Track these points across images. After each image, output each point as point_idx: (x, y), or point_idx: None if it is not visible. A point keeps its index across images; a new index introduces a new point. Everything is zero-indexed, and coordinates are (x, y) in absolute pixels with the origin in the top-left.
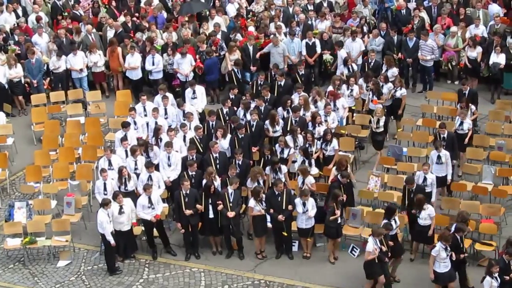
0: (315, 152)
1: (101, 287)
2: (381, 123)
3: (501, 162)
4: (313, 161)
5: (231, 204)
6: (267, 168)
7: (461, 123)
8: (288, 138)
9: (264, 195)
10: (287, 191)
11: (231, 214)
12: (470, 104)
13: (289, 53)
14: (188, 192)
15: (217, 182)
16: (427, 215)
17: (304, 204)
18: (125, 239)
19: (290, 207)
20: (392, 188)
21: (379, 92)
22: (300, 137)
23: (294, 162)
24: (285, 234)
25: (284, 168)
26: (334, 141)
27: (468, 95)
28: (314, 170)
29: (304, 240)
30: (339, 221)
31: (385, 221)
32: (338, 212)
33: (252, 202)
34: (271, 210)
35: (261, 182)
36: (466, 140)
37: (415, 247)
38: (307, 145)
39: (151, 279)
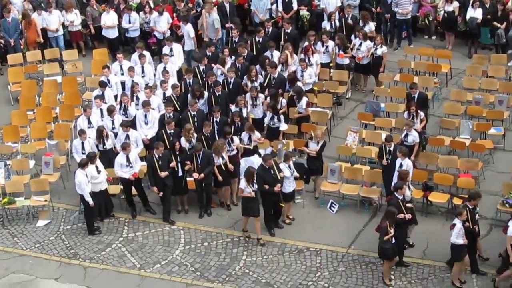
0: (280, 109)
1: (81, 246)
2: (319, 146)
3: (479, 116)
4: (282, 117)
5: (199, 166)
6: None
7: (406, 135)
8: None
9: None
10: (274, 162)
11: (196, 175)
12: (419, 111)
13: (257, 10)
14: (160, 154)
15: (194, 140)
16: None
17: (289, 167)
18: (105, 198)
19: (281, 174)
20: (370, 144)
21: (345, 46)
22: (283, 101)
23: (264, 117)
24: (282, 204)
25: (236, 140)
26: (304, 99)
27: (418, 100)
28: (284, 126)
29: (287, 204)
30: (393, 240)
31: None
32: (392, 231)
33: (243, 184)
34: (266, 186)
35: (225, 156)
36: (412, 156)
37: None
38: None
39: (130, 237)
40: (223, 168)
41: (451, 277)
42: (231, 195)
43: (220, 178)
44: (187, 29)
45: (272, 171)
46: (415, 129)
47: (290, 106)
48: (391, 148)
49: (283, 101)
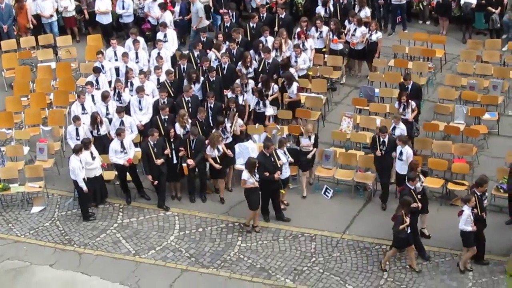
0: (271, 95)
1: (76, 232)
2: (312, 140)
3: (473, 101)
4: (267, 102)
5: (193, 151)
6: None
7: (394, 128)
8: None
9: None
10: (274, 149)
11: (190, 161)
12: (410, 101)
13: None
14: (156, 142)
15: (189, 125)
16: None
17: (284, 153)
18: (100, 184)
19: (280, 161)
20: (365, 129)
21: (339, 31)
22: (275, 87)
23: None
24: (284, 191)
25: (228, 126)
26: (294, 84)
27: (411, 90)
28: (269, 111)
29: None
30: (408, 230)
31: None
32: (407, 220)
33: (246, 175)
34: (266, 174)
35: (220, 148)
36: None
37: None
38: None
39: (125, 223)
40: (218, 161)
41: (460, 261)
42: (226, 183)
43: (218, 166)
44: (164, 16)
45: (272, 159)
46: (406, 120)
47: (282, 91)
48: (385, 139)
49: (275, 87)
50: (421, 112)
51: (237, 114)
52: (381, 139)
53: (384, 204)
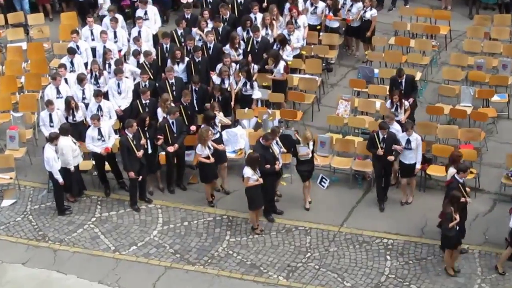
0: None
1: (50, 227)
2: (311, 147)
3: (481, 82)
4: (255, 84)
5: (175, 135)
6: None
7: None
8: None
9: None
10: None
11: (171, 148)
12: (403, 100)
13: None
14: (134, 134)
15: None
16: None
17: (277, 143)
18: (79, 174)
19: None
20: (363, 113)
21: (336, 8)
22: (255, 67)
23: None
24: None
25: (217, 120)
26: (281, 63)
27: (405, 83)
28: (257, 94)
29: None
30: (457, 227)
31: None
32: (457, 217)
33: (248, 172)
34: (268, 166)
35: (210, 145)
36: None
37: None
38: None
39: (104, 217)
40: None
41: (497, 262)
42: (222, 183)
43: (212, 159)
44: None
45: (271, 150)
46: (398, 121)
47: (263, 71)
48: (385, 135)
49: (255, 67)
50: (424, 95)
51: (217, 106)
52: (381, 136)
53: (386, 196)
